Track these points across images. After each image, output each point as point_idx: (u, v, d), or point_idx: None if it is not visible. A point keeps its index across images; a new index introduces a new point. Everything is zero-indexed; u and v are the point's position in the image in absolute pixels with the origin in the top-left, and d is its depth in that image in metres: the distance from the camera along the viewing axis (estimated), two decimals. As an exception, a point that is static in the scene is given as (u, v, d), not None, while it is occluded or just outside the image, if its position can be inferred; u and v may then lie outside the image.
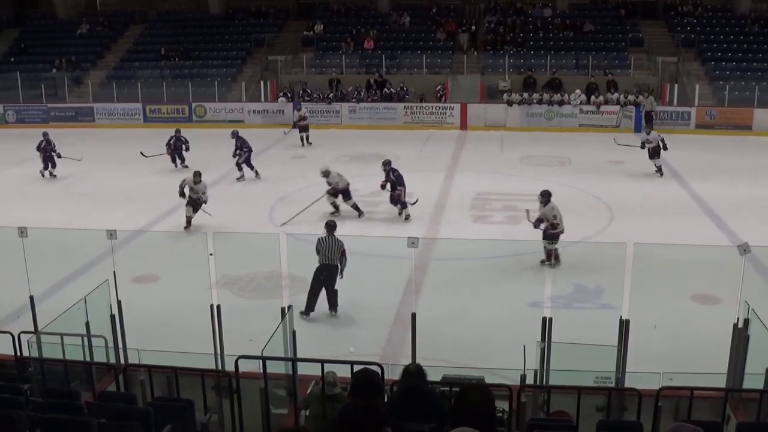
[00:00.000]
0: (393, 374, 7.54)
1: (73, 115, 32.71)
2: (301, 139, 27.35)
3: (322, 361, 7.22)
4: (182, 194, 16.68)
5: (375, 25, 36.13)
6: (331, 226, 12.34)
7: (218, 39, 36.28)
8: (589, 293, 12.56)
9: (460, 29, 34.98)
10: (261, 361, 7.55)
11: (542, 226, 14.10)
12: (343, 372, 7.00)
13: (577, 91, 30.38)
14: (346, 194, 17.69)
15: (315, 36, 35.75)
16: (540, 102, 30.44)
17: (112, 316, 9.22)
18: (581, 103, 30.09)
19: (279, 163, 24.09)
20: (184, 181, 16.88)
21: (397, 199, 17.39)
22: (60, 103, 33.23)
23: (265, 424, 7.56)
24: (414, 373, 6.62)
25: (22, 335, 9.13)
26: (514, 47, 33.89)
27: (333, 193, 17.65)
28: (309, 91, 32.03)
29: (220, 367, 8.67)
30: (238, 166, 21.85)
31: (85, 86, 34.31)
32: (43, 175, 22.18)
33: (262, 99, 32.35)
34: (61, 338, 8.98)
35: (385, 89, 32.11)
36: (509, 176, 21.79)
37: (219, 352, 8.74)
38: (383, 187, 17.54)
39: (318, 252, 11.93)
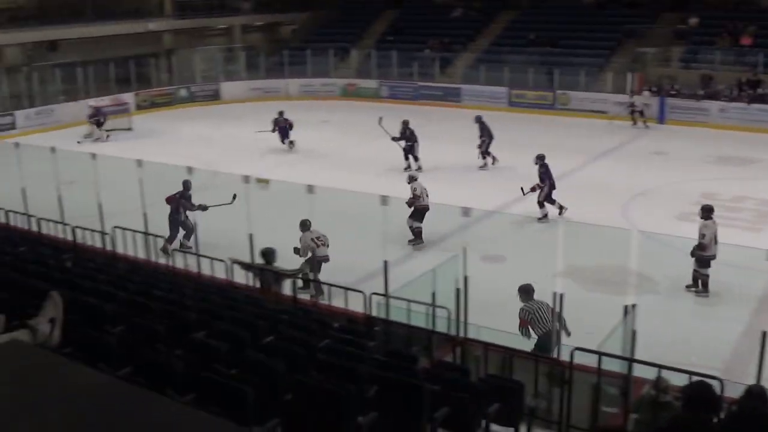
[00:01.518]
0: (733, 392, 7.15)
1: (441, 94, 34.42)
2: (634, 121, 28.39)
3: (659, 366, 7.05)
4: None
5: (754, 20, 33.63)
6: (528, 291, 10.15)
7: (588, 28, 35.96)
8: None
9: None
10: (597, 356, 7.53)
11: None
12: (679, 381, 6.79)
13: None
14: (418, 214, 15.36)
15: (689, 29, 34.15)
16: None
17: (458, 290, 9.67)
18: None
19: (637, 157, 23.49)
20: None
21: (538, 193, 16.78)
22: (429, 82, 35.11)
23: (593, 418, 7.54)
24: (756, 394, 6.26)
25: (373, 296, 9.93)
26: None
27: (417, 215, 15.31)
28: (677, 87, 30.73)
29: (555, 356, 8.78)
30: (482, 154, 21.93)
31: (454, 68, 35.86)
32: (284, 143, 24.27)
33: (628, 91, 31.61)
34: (408, 304, 9.61)
35: (759, 89, 29.87)
36: None
37: (554, 340, 8.85)
38: (539, 187, 16.78)
39: (531, 326, 9.85)
